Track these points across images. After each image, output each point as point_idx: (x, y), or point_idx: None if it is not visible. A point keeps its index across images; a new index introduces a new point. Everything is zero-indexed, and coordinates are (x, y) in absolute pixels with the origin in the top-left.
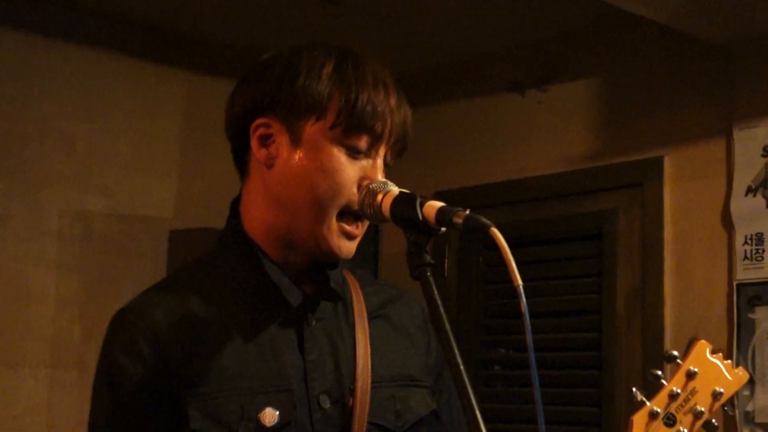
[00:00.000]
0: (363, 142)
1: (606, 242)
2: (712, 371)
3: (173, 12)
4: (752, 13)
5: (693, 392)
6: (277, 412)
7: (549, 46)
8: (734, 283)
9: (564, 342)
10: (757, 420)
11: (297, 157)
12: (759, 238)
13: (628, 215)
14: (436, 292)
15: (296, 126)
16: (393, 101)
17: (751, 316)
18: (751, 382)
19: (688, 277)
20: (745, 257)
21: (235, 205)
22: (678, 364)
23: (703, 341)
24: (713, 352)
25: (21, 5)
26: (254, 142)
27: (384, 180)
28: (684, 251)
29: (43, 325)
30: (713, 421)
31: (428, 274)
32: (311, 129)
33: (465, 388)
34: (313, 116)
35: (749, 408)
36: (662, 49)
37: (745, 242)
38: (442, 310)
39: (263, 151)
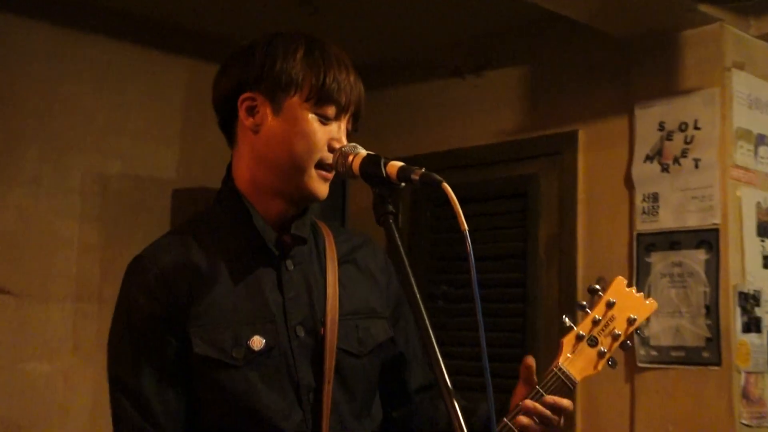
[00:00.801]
0: (331, 111)
1: (530, 200)
2: (628, 301)
3: (177, 9)
4: (650, 14)
5: (612, 319)
6: (264, 340)
7: (484, 39)
8: (634, 233)
9: (496, 280)
10: (652, 343)
11: (279, 123)
12: (654, 197)
13: (548, 178)
14: (397, 235)
15: (277, 99)
16: (352, 79)
17: (647, 260)
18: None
19: (597, 229)
20: (643, 212)
21: (230, 169)
22: (600, 296)
23: (620, 277)
24: (628, 286)
25: (51, 3)
26: (242, 113)
27: (354, 144)
28: (593, 207)
29: (69, 267)
30: (628, 341)
31: (390, 221)
32: (290, 101)
33: (421, 313)
34: (291, 91)
35: (645, 333)
36: (577, 42)
37: (643, 200)
38: (402, 250)
39: (250, 120)
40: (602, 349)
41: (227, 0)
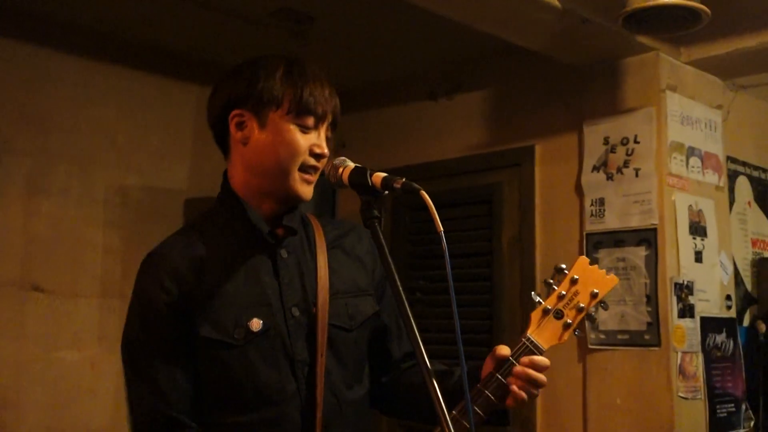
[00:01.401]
0: (310, 121)
1: (494, 206)
2: (591, 277)
3: (187, 42)
4: (596, 44)
5: (576, 293)
6: (261, 321)
7: (455, 66)
8: (584, 233)
9: (465, 275)
10: (601, 328)
11: (264, 135)
12: (601, 202)
13: (510, 186)
14: (381, 237)
15: (262, 114)
16: (327, 92)
17: (596, 256)
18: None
19: (552, 230)
20: (592, 215)
21: (226, 175)
22: (565, 274)
23: (583, 256)
24: (590, 263)
25: (78, 37)
26: (232, 128)
27: (343, 158)
28: (549, 212)
29: (95, 267)
30: (591, 312)
31: (376, 224)
32: (273, 115)
33: (404, 306)
34: (273, 106)
35: (596, 316)
36: (534, 69)
37: (592, 204)
38: (385, 249)
39: (239, 133)
40: (568, 321)
41: (231, 35)
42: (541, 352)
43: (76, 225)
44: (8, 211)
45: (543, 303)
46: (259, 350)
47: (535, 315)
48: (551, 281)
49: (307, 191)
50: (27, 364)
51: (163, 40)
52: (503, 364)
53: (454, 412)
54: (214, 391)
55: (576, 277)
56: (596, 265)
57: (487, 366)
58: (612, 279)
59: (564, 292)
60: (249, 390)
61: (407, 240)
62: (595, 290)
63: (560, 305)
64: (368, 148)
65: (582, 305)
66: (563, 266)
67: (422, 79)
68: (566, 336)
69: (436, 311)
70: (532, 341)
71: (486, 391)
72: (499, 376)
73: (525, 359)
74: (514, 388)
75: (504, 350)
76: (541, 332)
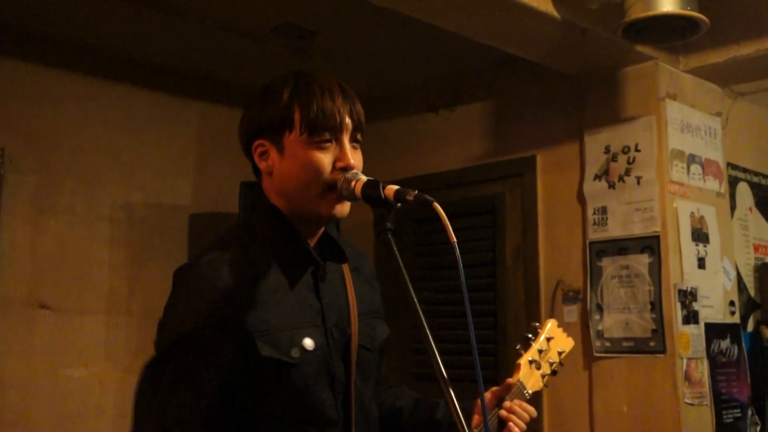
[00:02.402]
0: (326, 136)
1: (497, 215)
2: (558, 337)
3: (189, 59)
4: (596, 54)
5: (548, 349)
6: (312, 340)
7: (455, 78)
8: (587, 242)
9: (470, 285)
10: (606, 336)
11: (285, 163)
12: (603, 210)
13: (512, 196)
14: (395, 248)
15: (278, 141)
16: (339, 101)
17: (599, 264)
18: (599, 309)
19: (555, 239)
20: (594, 223)
21: (262, 189)
22: (538, 332)
23: (553, 319)
24: (558, 326)
25: (83, 58)
26: (256, 158)
27: (355, 171)
28: (551, 220)
29: (101, 284)
30: (556, 370)
31: (389, 236)
32: (288, 140)
33: (418, 313)
34: (286, 130)
35: (599, 327)
36: (535, 80)
37: (594, 213)
38: (400, 260)
39: (263, 164)
40: (544, 372)
41: (233, 51)
42: (528, 395)
43: (82, 242)
44: (15, 229)
45: (525, 354)
46: (311, 369)
47: (524, 363)
48: (529, 336)
49: (339, 210)
50: (35, 381)
51: (165, 58)
52: (503, 397)
53: None
54: (265, 410)
55: (549, 336)
56: (561, 328)
57: (478, 407)
58: (571, 341)
59: (542, 348)
60: (302, 407)
61: (410, 252)
62: (561, 349)
63: (538, 357)
64: (371, 161)
65: (552, 360)
66: (537, 324)
67: (423, 91)
68: (544, 382)
69: (441, 322)
70: (522, 385)
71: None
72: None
73: (518, 403)
74: (512, 425)
75: (507, 388)
76: (528, 378)
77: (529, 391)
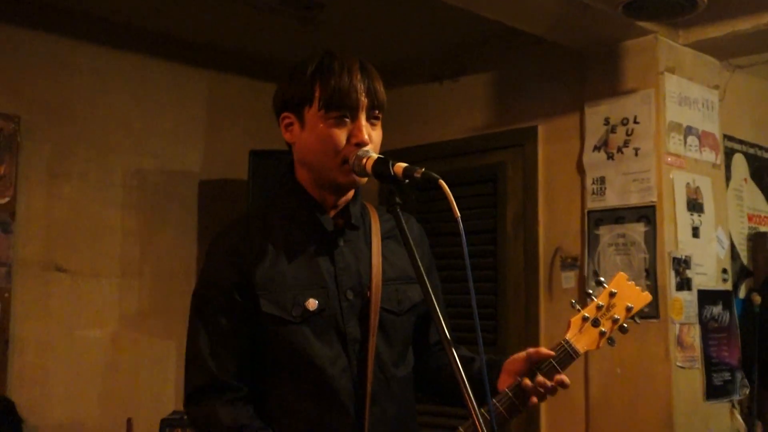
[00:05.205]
0: (343, 112)
1: (499, 184)
2: (627, 292)
3: (199, 30)
4: (597, 28)
5: (612, 306)
6: (317, 301)
7: (459, 50)
8: (585, 211)
9: (471, 252)
10: None
11: (306, 135)
12: (602, 180)
13: (514, 166)
14: (403, 222)
15: (301, 114)
16: (356, 79)
17: (596, 232)
18: (596, 276)
19: (554, 207)
20: (593, 193)
21: (291, 165)
22: (604, 287)
23: (622, 273)
24: (629, 280)
25: (96, 28)
26: (283, 130)
27: (368, 148)
28: (551, 190)
29: (114, 248)
30: (625, 325)
31: (398, 210)
32: (308, 114)
33: (424, 282)
34: (307, 105)
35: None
36: (537, 52)
37: (593, 183)
38: (407, 232)
39: (287, 135)
40: (603, 329)
41: (241, 22)
42: (577, 355)
43: (96, 208)
44: (31, 195)
45: (582, 311)
46: (314, 328)
47: (575, 321)
48: (590, 291)
49: (356, 179)
50: (52, 341)
51: (175, 28)
52: (542, 363)
53: (482, 410)
54: (273, 361)
55: (614, 291)
56: (633, 282)
57: (517, 361)
58: (646, 296)
59: (602, 304)
60: (303, 361)
61: (414, 218)
62: (630, 305)
63: (598, 315)
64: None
65: (617, 317)
66: (602, 279)
67: (428, 62)
68: (601, 343)
69: (444, 287)
70: (570, 345)
71: (510, 394)
72: (525, 382)
73: (558, 378)
74: (534, 399)
75: (545, 352)
76: (579, 337)
77: (580, 351)
